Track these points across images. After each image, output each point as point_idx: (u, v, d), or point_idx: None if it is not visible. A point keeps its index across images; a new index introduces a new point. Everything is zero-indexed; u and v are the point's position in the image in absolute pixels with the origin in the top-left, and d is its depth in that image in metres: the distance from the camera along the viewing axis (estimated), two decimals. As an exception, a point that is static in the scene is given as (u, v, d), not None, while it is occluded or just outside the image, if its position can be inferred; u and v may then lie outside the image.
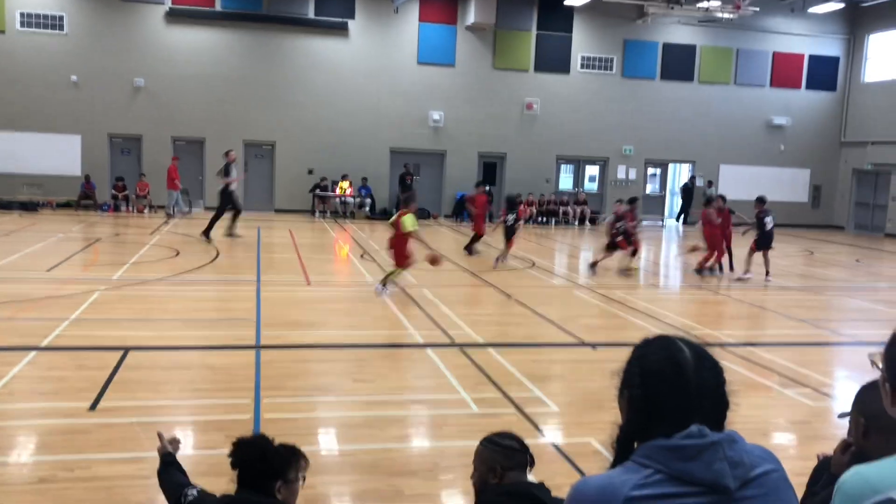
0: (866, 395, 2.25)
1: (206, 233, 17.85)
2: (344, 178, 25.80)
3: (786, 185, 29.57)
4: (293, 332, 9.58)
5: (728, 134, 28.98)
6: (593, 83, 27.86)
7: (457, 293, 13.02)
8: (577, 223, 27.18)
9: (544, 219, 27.18)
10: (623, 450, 1.72)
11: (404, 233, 12.09)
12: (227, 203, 17.96)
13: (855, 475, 1.69)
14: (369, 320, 10.57)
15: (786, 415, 7.38)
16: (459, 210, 26.77)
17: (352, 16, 25.87)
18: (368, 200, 26.32)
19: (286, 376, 7.75)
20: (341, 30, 25.90)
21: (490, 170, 28.00)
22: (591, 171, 29.54)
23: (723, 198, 16.94)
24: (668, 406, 1.69)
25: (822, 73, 29.61)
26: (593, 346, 9.55)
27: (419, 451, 6.05)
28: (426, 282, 13.81)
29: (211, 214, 22.43)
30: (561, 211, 27.30)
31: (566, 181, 29.52)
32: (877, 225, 27.84)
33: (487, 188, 20.22)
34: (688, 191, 28.96)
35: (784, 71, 29.29)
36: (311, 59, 25.94)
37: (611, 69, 27.97)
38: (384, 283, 12.30)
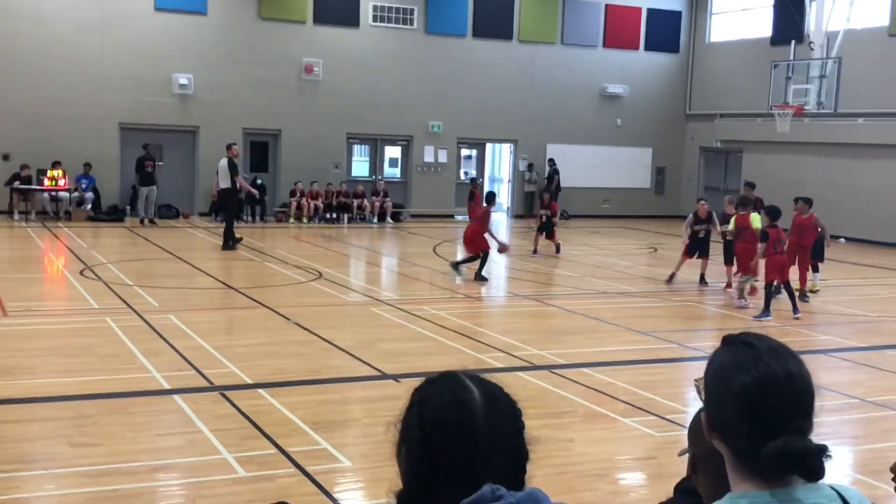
0: (696, 427, 2.47)
1: (231, 242, 19.70)
2: (55, 165, 24.40)
3: (624, 167, 31.61)
4: (-18, 384, 8.96)
5: (555, 106, 30.54)
6: (390, 41, 28.30)
7: (217, 319, 12.80)
8: (376, 220, 27.48)
9: (334, 215, 27.24)
10: None
11: (754, 231, 14.84)
12: (237, 206, 20.36)
13: None
14: (94, 362, 10.12)
15: (628, 450, 7.91)
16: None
17: (60, -57, 24.56)
18: (91, 195, 25.08)
19: (-28, 446, 7.23)
20: (45, -39, 24.50)
21: (260, 151, 27.61)
22: (392, 152, 29.92)
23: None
24: (453, 462, 1.73)
25: (663, 32, 31.97)
26: (396, 377, 9.72)
27: (165, 534, 5.88)
28: (173, 304, 13.46)
29: None
30: (355, 204, 27.48)
31: (361, 167, 29.68)
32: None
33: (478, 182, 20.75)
34: (553, 178, 29.76)
35: (619, 28, 31.32)
36: None
37: (411, 23, 28.55)
38: (741, 296, 15.05)
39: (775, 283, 14.36)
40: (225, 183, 20.04)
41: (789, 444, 1.80)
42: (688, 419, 9.14)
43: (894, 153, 25.08)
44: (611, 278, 17.73)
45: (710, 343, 12.38)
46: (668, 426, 8.43)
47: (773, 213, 14.59)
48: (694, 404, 8.36)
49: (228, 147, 20.58)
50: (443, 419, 1.76)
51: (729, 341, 1.97)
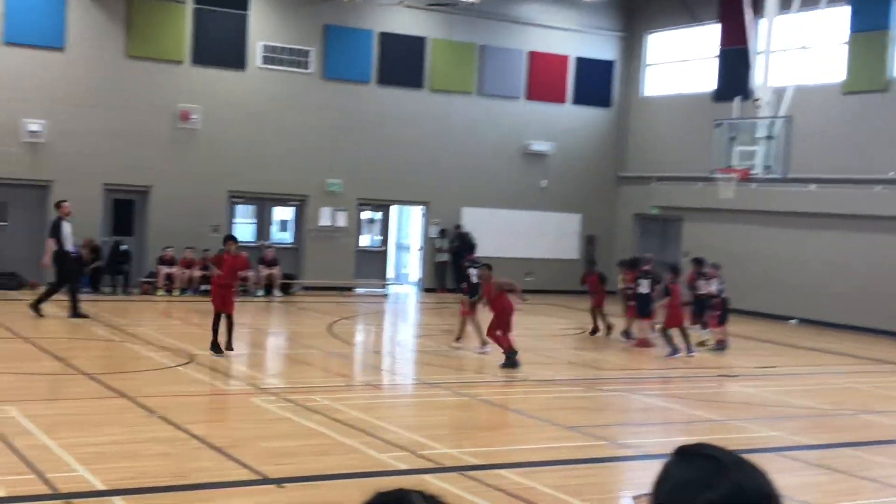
0: None
1: (76, 311, 20.59)
2: None
3: (550, 235, 32.02)
4: None
5: (472, 164, 30.89)
6: (282, 85, 28.35)
7: (65, 411, 12.45)
8: (261, 292, 27.23)
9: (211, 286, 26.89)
10: None
11: None
12: (66, 271, 20.78)
13: None
14: None
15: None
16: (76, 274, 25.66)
17: None
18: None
19: None
20: None
21: (124, 211, 27.22)
22: (282, 214, 29.76)
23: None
24: None
25: (594, 84, 32.74)
26: (280, 482, 9.58)
27: None
28: (12, 394, 13.08)
29: None
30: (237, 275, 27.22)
31: (245, 230, 29.41)
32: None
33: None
34: (465, 239, 30.08)
35: (544, 78, 31.99)
36: None
37: (306, 66, 28.69)
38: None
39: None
40: (68, 245, 20.79)
41: None
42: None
43: (850, 223, 25.90)
44: (533, 363, 17.80)
45: (647, 440, 12.50)
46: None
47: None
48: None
49: (58, 204, 21.31)
50: None
51: (686, 453, 1.97)
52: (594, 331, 21.74)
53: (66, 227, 20.81)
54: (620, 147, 33.18)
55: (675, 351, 18.97)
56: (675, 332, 19.11)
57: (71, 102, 26.03)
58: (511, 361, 16.82)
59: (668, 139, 31.39)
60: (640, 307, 20.11)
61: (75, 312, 20.56)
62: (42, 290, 21.34)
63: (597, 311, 21.66)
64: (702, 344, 20.42)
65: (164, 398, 13.25)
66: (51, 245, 20.65)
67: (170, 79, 27.13)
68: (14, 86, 25.43)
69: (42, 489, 9.04)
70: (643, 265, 21.12)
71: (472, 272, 19.17)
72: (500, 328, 17.07)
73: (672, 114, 31.49)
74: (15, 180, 25.72)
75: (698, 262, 21.37)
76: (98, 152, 26.31)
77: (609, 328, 21.45)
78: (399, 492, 1.85)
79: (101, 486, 9.20)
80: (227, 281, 17.10)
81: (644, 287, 20.08)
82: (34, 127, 25.62)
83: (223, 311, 16.84)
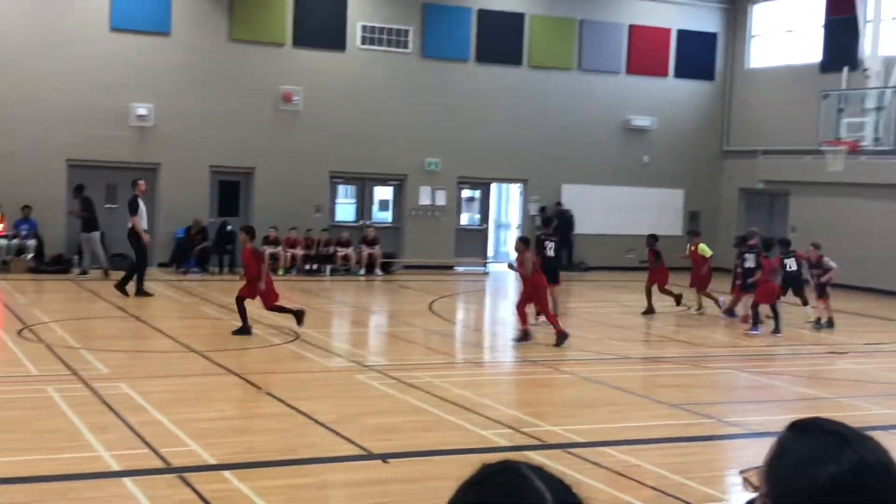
0: None
1: (123, 287, 20.87)
2: (-8, 207, 24.54)
3: (652, 211, 31.62)
4: None
5: (572, 141, 30.69)
6: (381, 66, 28.51)
7: (176, 387, 12.73)
8: (363, 271, 27.50)
9: (315, 266, 27.26)
10: None
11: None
12: (137, 249, 21.41)
13: None
14: (30, 439, 10.08)
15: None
16: (182, 255, 26.22)
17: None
18: (32, 242, 25.13)
19: None
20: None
21: (230, 192, 27.71)
22: (383, 194, 29.99)
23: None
24: None
25: (696, 56, 32.22)
26: (385, 458, 9.71)
27: None
28: (125, 371, 13.45)
29: None
30: (339, 254, 27.53)
31: (346, 210, 29.73)
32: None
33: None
34: (563, 217, 29.76)
35: (645, 52, 31.59)
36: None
37: (405, 46, 28.79)
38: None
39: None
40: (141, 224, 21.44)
41: None
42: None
43: (964, 196, 25.13)
44: (635, 341, 17.73)
45: (754, 418, 12.36)
46: (702, 516, 8.38)
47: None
48: (737, 489, 8.28)
49: (135, 183, 22.05)
50: None
51: (802, 429, 1.98)
52: (671, 308, 21.26)
53: (141, 206, 21.50)
54: (724, 120, 32.63)
55: (756, 325, 18.76)
56: (764, 308, 18.87)
57: (177, 86, 26.55)
58: (525, 335, 16.72)
59: (773, 112, 30.76)
60: (746, 282, 19.84)
61: (140, 290, 21.00)
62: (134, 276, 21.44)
63: (651, 287, 21.13)
64: (816, 323, 20.01)
65: (272, 375, 13.55)
66: (137, 223, 21.15)
67: (272, 61, 27.48)
68: (122, 71, 26.02)
69: (156, 463, 9.28)
70: (749, 240, 20.67)
71: (549, 245, 19.15)
72: (528, 303, 16.93)
73: (778, 86, 30.83)
74: (124, 163, 26.34)
75: (784, 243, 20.84)
76: (203, 135, 26.80)
77: (649, 308, 21.05)
78: (506, 463, 1.85)
79: (212, 461, 9.42)
80: (249, 274, 16.77)
81: (750, 262, 19.78)
82: (142, 111, 26.20)
83: (252, 298, 16.58)
